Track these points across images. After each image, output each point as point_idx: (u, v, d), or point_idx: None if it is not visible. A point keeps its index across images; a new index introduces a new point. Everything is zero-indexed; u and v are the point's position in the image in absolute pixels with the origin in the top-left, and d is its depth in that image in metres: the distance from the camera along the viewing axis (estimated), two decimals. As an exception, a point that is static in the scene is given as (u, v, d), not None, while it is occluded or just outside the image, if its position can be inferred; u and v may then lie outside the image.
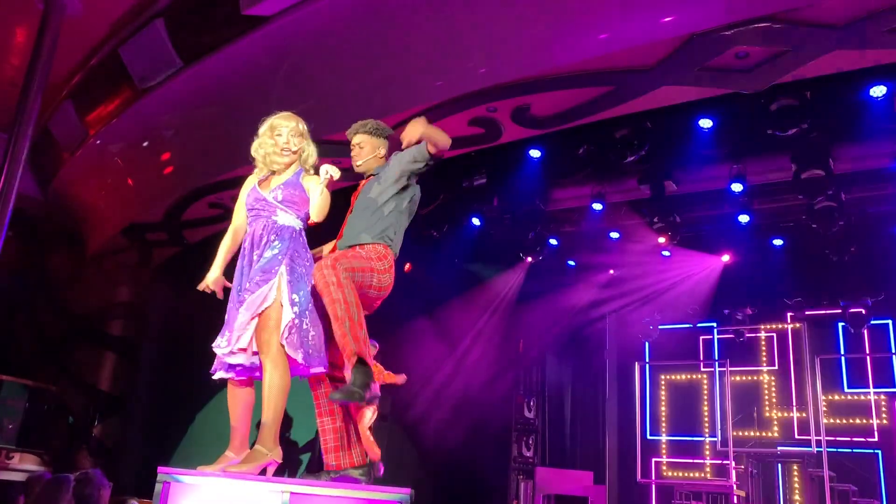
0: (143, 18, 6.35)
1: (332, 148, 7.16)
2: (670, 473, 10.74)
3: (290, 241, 3.24)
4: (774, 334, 10.72)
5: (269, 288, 3.10)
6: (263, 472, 3.01)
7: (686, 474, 10.67)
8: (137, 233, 8.91)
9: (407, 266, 10.35)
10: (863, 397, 9.91)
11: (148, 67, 6.49)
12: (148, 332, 9.71)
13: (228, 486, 2.63)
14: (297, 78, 6.34)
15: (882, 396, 9.83)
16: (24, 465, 8.01)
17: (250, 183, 3.46)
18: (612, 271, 11.22)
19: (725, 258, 10.22)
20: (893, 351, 9.81)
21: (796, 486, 9.73)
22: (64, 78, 7.35)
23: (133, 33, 6.45)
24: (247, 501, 2.56)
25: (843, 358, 10.22)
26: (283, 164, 3.41)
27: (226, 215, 8.30)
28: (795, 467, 9.66)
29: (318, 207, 3.28)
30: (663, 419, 11.14)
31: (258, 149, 3.45)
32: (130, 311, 9.76)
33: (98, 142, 7.63)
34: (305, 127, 3.49)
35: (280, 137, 3.41)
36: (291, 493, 2.54)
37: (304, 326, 3.14)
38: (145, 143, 7.53)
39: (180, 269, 9.23)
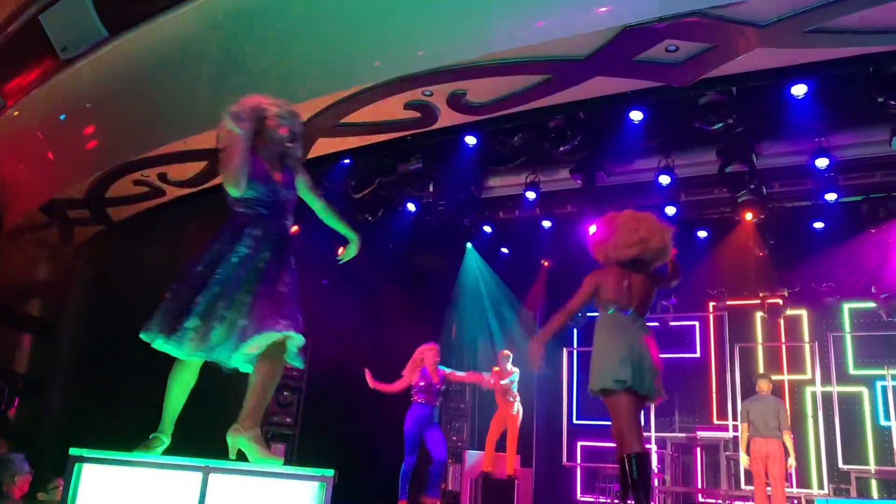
0: (67, -16, 6.07)
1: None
2: (595, 457, 10.97)
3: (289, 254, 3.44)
4: (697, 323, 11.09)
5: None
6: None
7: (610, 458, 10.92)
8: (59, 209, 8.55)
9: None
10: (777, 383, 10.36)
11: (71, 37, 6.20)
12: (68, 313, 9.34)
13: (144, 466, 2.56)
14: (229, 53, 6.17)
15: (794, 383, 10.33)
16: (-65, 450, 7.63)
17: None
18: (544, 261, 11.40)
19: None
20: (807, 340, 10.28)
21: (713, 469, 10.09)
22: (-20, 44, 6.98)
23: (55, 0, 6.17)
24: (163, 481, 2.50)
25: (759, 346, 10.65)
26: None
27: (151, 193, 8.05)
28: (713, 451, 10.01)
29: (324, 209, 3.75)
30: (589, 404, 11.37)
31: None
32: (50, 290, 9.37)
33: (16, 113, 7.28)
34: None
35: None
36: (211, 472, 2.49)
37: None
38: (66, 116, 7.22)
39: (103, 248, 8.91)
